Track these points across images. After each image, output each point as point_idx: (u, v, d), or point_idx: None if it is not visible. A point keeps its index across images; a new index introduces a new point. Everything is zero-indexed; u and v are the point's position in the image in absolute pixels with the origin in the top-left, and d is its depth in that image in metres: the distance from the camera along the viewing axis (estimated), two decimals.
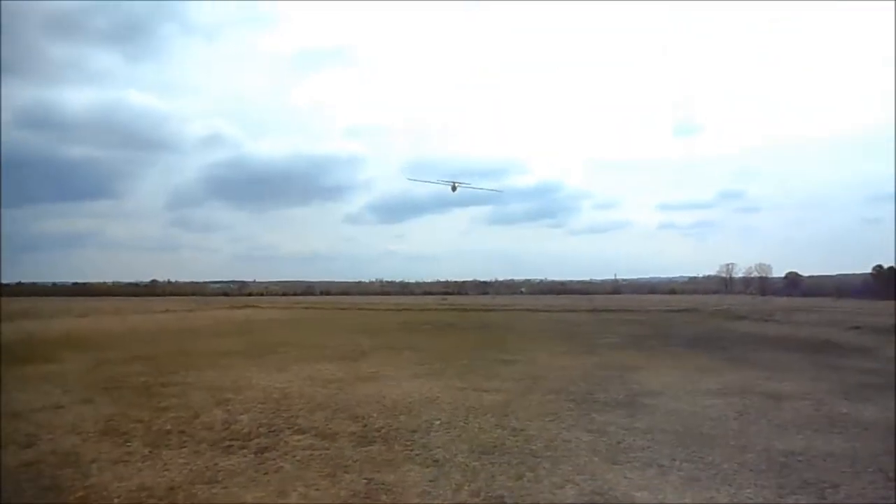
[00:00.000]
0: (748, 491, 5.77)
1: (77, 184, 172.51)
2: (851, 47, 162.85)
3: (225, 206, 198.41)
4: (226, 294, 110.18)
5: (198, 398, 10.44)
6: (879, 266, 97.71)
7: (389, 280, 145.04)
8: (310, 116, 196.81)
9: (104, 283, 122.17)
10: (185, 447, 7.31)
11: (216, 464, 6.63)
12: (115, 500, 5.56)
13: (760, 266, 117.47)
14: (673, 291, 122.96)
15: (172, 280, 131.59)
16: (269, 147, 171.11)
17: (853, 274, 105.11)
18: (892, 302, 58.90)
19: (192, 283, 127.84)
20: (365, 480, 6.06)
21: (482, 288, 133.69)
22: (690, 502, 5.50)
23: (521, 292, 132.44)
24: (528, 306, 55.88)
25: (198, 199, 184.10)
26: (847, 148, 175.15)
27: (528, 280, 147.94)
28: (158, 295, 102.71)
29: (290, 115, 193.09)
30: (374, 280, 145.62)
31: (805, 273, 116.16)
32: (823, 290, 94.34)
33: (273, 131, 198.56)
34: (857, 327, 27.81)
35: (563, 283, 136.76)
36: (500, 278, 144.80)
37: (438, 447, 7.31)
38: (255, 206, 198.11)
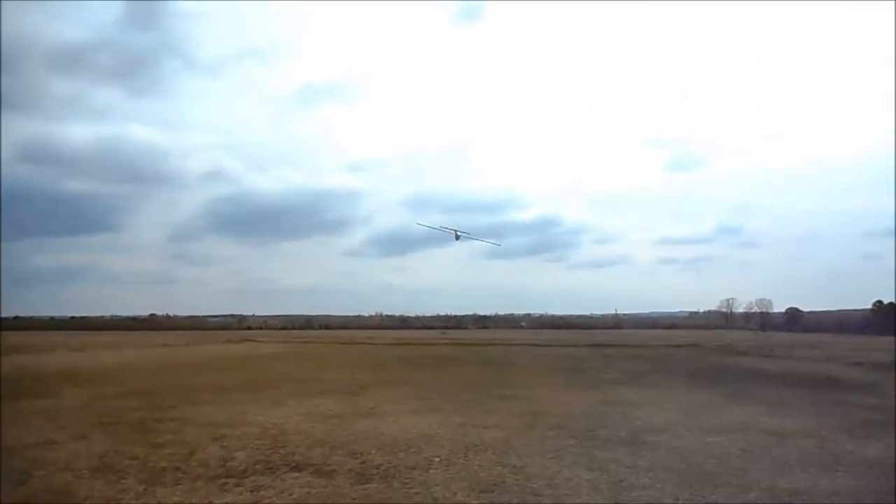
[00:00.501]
0: None
1: (77, 218, 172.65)
2: (850, 77, 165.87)
3: (225, 239, 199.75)
4: (224, 328, 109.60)
5: (194, 434, 10.31)
6: (879, 301, 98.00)
7: (389, 314, 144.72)
8: (310, 151, 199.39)
9: (102, 316, 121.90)
10: (180, 484, 7.19)
11: (211, 502, 6.51)
12: None
13: (761, 301, 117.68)
14: (674, 326, 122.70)
15: (171, 314, 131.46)
16: (270, 181, 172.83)
17: (853, 309, 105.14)
18: (893, 338, 58.74)
19: (191, 317, 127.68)
20: None
21: (482, 322, 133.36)
22: None
23: (522, 326, 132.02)
24: (528, 341, 55.57)
25: (198, 233, 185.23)
26: (846, 182, 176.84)
27: (529, 314, 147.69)
28: (157, 329, 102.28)
29: (290, 150, 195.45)
30: (373, 314, 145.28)
31: (805, 308, 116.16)
32: (824, 325, 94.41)
33: (274, 166, 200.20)
34: (859, 363, 27.71)
35: (563, 318, 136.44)
36: (500, 312, 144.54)
37: (437, 485, 7.19)
38: (255, 240, 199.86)
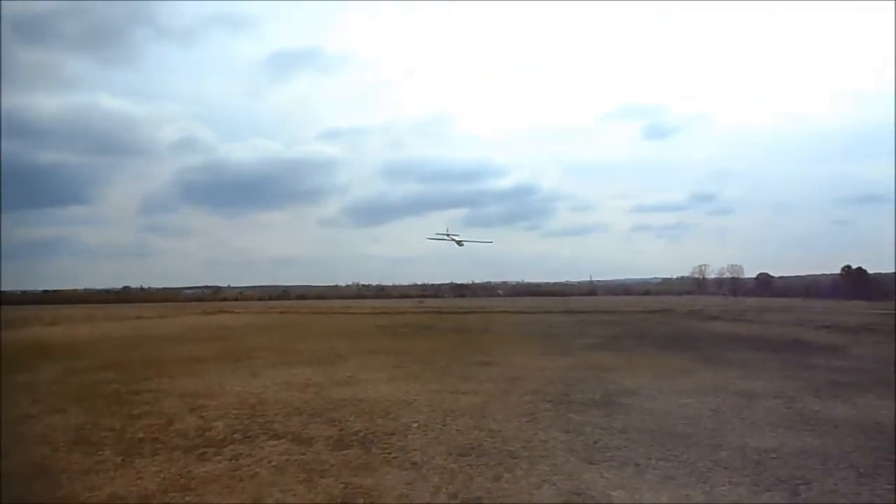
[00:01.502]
0: (723, 489, 5.85)
1: (48, 190, 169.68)
2: (820, 47, 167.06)
3: (198, 210, 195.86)
4: (199, 300, 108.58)
5: (171, 405, 10.30)
6: (848, 266, 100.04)
7: (366, 283, 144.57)
8: (285, 120, 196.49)
9: (75, 290, 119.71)
10: (158, 455, 7.20)
11: (190, 471, 6.54)
12: None
13: (733, 267, 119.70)
14: (647, 292, 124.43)
15: (145, 286, 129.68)
16: (244, 151, 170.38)
17: (822, 274, 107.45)
18: (860, 302, 60.28)
19: (166, 289, 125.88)
20: (342, 485, 6.02)
21: (459, 291, 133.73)
22: (667, 501, 5.55)
23: (498, 294, 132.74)
24: (504, 308, 55.97)
25: (171, 205, 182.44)
26: (818, 150, 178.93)
27: (505, 282, 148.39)
28: (131, 301, 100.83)
29: (264, 119, 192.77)
30: (350, 283, 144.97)
31: (776, 274, 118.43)
32: (794, 290, 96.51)
33: (247, 135, 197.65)
34: (827, 327, 28.38)
35: (539, 285, 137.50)
36: (477, 281, 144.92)
37: (416, 450, 7.30)
38: (230, 211, 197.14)
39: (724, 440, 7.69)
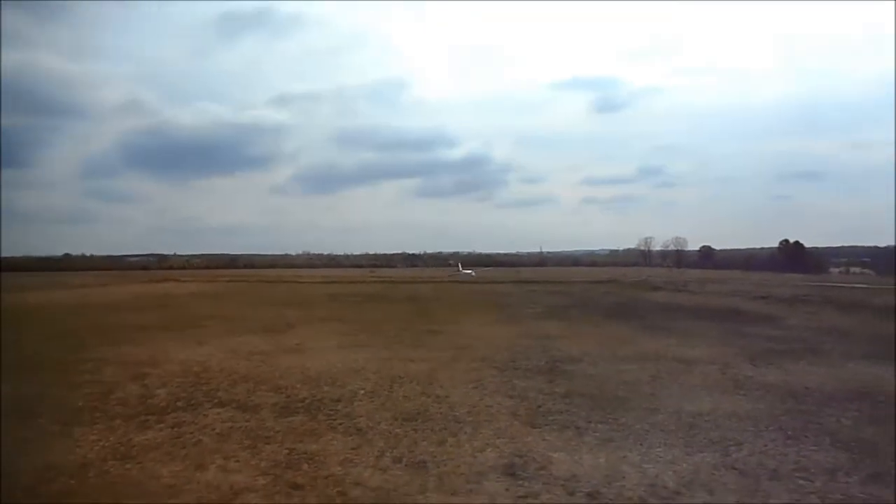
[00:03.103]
0: (658, 450, 6.10)
1: None
2: (766, 24, 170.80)
3: (143, 175, 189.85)
4: (145, 268, 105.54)
5: (113, 373, 10.12)
6: (786, 240, 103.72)
7: (317, 253, 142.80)
8: (233, 83, 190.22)
9: (13, 257, 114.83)
10: (97, 423, 7.09)
11: (130, 439, 6.47)
12: (23, 481, 5.33)
13: (677, 240, 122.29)
14: (595, 264, 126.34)
15: (87, 254, 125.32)
16: (191, 114, 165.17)
17: (761, 248, 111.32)
18: (796, 274, 62.92)
19: (109, 256, 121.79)
20: (286, 451, 6.05)
21: (411, 260, 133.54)
22: (604, 462, 5.75)
23: (450, 265, 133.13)
24: (456, 278, 56.29)
25: (114, 169, 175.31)
26: (762, 126, 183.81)
27: (457, 252, 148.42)
28: (72, 269, 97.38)
29: (212, 82, 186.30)
30: (301, 253, 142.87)
31: (718, 247, 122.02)
32: (734, 262, 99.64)
33: (195, 98, 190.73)
34: (763, 297, 29.49)
35: (490, 256, 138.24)
36: (429, 251, 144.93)
37: (362, 416, 7.37)
38: (176, 176, 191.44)
39: (661, 404, 7.99)
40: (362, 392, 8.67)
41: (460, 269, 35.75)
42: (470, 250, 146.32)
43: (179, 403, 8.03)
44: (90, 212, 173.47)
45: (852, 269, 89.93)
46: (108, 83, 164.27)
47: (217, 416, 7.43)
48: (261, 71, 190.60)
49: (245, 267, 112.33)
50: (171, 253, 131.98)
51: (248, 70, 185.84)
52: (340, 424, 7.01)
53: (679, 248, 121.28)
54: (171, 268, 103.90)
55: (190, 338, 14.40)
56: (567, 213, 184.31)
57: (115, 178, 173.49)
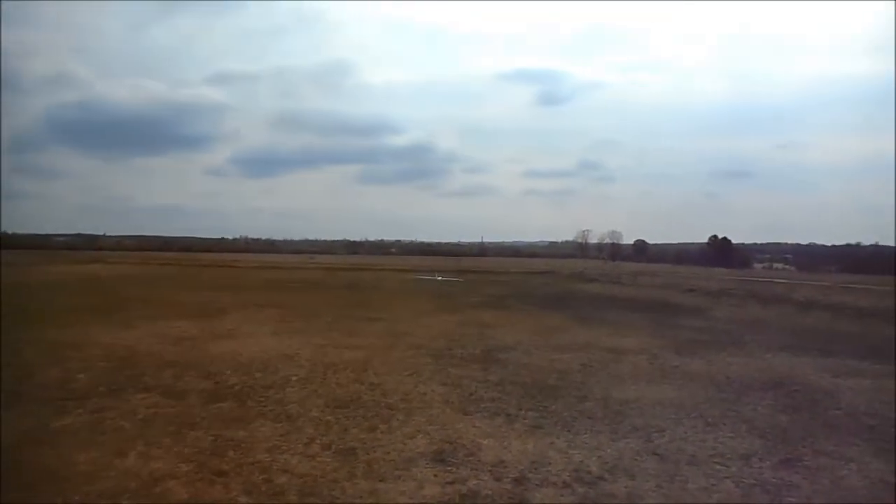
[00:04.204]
0: (585, 436, 6.24)
1: None
2: (705, 21, 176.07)
3: (72, 151, 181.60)
4: (72, 248, 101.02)
5: (33, 356, 9.69)
6: (715, 236, 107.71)
7: (255, 237, 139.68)
8: (169, 59, 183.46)
9: None
10: (14, 408, 6.75)
11: (47, 424, 6.20)
12: None
13: (612, 233, 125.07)
14: (534, 255, 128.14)
15: (10, 232, 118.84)
16: (124, 90, 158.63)
17: (692, 243, 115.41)
18: (723, 269, 65.57)
19: (34, 235, 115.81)
20: (212, 437, 5.91)
21: (352, 248, 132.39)
22: (532, 448, 5.85)
23: (392, 253, 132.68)
24: (397, 267, 56.16)
25: (40, 144, 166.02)
26: (697, 124, 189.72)
27: (399, 241, 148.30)
28: None
29: (147, 57, 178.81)
30: (238, 237, 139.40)
31: (651, 241, 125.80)
32: (666, 256, 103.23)
33: (128, 73, 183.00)
34: (692, 290, 30.63)
35: (431, 245, 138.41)
36: (371, 238, 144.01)
37: (293, 402, 7.28)
38: (108, 154, 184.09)
39: (589, 392, 8.20)
40: (295, 379, 8.55)
41: (436, 276, 35.61)
42: (412, 238, 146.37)
43: (101, 388, 7.74)
44: (14, 187, 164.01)
45: (775, 265, 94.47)
46: (34, 53, 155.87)
47: (141, 401, 7.19)
48: (199, 48, 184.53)
49: (180, 250, 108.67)
50: (101, 233, 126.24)
51: (186, 46, 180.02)
52: (270, 411, 6.89)
53: (614, 242, 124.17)
54: (100, 248, 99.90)
55: (117, 321, 13.90)
56: (508, 205, 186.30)
57: (42, 152, 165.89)
